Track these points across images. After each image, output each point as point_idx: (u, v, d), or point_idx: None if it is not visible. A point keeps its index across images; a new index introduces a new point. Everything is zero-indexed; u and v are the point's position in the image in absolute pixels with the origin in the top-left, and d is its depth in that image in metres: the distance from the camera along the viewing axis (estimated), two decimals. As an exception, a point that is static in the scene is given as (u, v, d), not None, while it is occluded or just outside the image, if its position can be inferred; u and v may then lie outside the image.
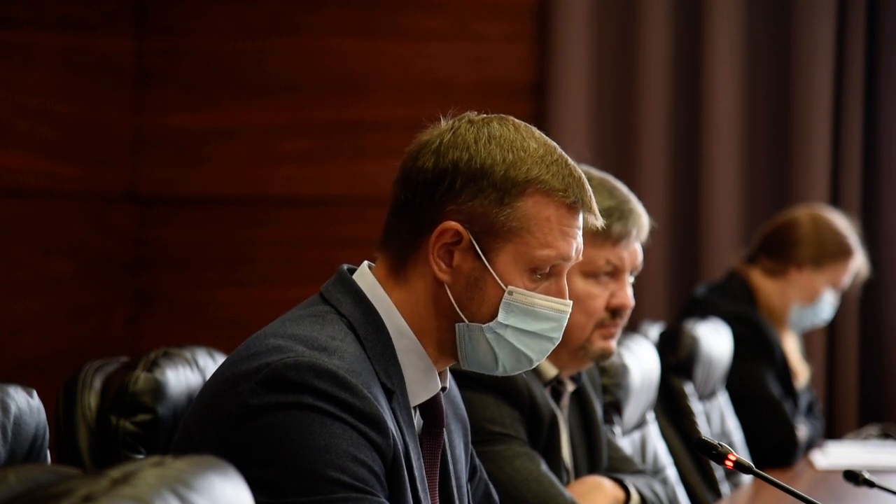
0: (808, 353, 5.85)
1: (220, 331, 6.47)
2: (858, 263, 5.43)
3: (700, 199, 6.52)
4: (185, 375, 2.69)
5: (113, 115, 6.41)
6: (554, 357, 3.07)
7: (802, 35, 6.45)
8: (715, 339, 4.89)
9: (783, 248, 5.38)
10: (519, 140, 2.38)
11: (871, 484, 3.23)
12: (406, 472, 2.29)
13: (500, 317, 2.36)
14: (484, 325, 2.36)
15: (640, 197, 3.18)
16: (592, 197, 2.41)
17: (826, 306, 5.41)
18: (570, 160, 2.41)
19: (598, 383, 3.37)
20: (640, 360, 3.86)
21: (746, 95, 6.51)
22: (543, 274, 2.38)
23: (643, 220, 3.13)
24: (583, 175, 2.41)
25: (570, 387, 3.17)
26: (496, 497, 2.68)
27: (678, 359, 4.66)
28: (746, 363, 5.15)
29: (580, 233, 2.42)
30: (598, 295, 3.08)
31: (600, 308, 3.08)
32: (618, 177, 3.19)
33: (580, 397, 3.25)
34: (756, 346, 5.19)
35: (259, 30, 6.56)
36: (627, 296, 3.11)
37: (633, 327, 4.58)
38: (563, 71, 6.47)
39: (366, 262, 2.45)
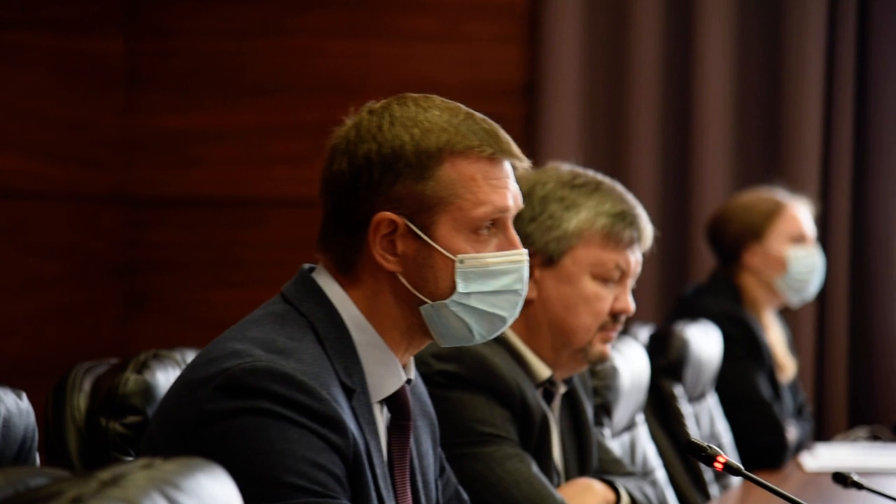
0: (796, 352, 5.82)
1: (211, 332, 6.34)
2: (797, 207, 5.31)
3: (691, 199, 6.51)
4: (175, 377, 2.68)
5: (103, 116, 6.40)
6: (553, 357, 3.08)
7: (793, 34, 6.46)
8: (704, 341, 4.89)
9: (722, 242, 5.36)
10: (420, 113, 2.39)
11: (859, 486, 3.24)
12: (368, 471, 2.30)
13: (460, 287, 2.36)
14: (447, 300, 2.37)
15: (631, 198, 3.20)
16: (510, 141, 2.41)
17: (806, 259, 5.27)
18: (477, 114, 2.41)
19: (588, 385, 3.38)
20: (630, 363, 3.87)
21: (737, 95, 6.51)
22: (489, 230, 2.38)
23: (649, 230, 3.15)
24: (495, 124, 2.41)
25: (562, 388, 3.18)
26: (466, 498, 2.68)
27: (668, 361, 4.66)
28: (736, 364, 5.14)
29: (512, 181, 2.42)
30: (605, 297, 3.09)
31: (606, 310, 3.10)
32: (609, 178, 3.20)
33: (571, 399, 3.26)
34: (746, 345, 5.17)
35: (249, 31, 6.55)
36: (629, 301, 3.13)
37: (623, 329, 4.57)
38: (553, 72, 6.47)
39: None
